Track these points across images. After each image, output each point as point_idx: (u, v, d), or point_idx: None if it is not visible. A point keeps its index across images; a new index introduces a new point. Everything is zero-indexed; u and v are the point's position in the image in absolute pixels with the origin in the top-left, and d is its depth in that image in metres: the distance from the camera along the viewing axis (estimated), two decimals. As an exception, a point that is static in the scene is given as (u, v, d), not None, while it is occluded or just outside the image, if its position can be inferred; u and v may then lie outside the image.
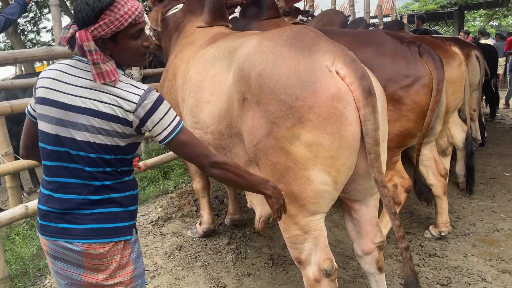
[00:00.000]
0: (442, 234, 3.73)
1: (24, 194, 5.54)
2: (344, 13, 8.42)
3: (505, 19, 26.13)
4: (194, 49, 3.02)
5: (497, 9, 21.82)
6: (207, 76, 2.60)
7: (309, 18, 6.15)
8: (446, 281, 3.07)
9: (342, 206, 2.51)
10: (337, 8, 10.44)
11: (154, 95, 1.57)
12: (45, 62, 14.78)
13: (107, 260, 1.61)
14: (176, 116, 1.61)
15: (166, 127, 1.58)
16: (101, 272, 1.62)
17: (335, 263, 2.15)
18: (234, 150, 2.48)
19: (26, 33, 16.23)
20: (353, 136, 2.00)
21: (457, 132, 4.97)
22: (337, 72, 2.00)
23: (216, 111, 2.49)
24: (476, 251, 3.55)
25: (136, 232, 1.74)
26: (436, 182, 3.69)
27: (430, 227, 3.83)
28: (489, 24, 24.87)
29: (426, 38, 5.09)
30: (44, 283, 3.10)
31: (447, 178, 3.82)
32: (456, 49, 4.59)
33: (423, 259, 3.44)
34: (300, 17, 5.74)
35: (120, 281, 1.65)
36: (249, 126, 2.18)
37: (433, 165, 3.72)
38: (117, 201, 1.64)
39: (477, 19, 26.87)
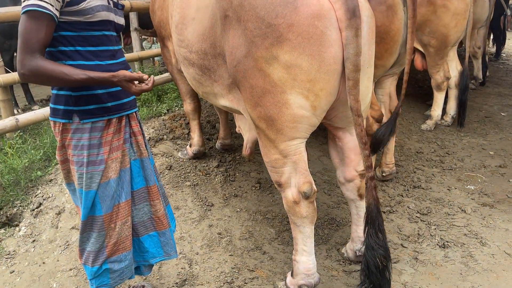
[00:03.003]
0: (384, 174, 3.59)
1: (19, 110, 5.53)
2: None
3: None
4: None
5: None
6: (194, -8, 2.48)
7: None
8: (427, 211, 3.17)
9: (327, 134, 2.51)
10: None
11: None
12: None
13: (58, 137, 1.83)
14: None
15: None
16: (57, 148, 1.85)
17: (314, 186, 2.18)
18: (218, 72, 2.42)
19: None
20: (333, 59, 1.91)
21: (452, 69, 4.87)
22: None
23: (200, 29, 2.39)
24: (460, 184, 3.63)
25: (82, 122, 1.77)
26: (385, 119, 3.38)
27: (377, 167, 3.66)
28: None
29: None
30: (36, 193, 3.19)
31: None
32: (463, -22, 4.36)
33: (407, 189, 3.52)
34: None
35: (65, 159, 1.85)
36: (229, 45, 2.10)
37: (387, 101, 3.54)
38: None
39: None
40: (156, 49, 6.99)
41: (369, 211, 2.12)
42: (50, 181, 3.33)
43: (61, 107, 1.77)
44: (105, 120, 1.83)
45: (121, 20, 1.91)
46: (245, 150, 3.03)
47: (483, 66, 6.78)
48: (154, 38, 8.04)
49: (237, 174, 3.56)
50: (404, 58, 3.23)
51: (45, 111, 3.70)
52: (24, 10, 1.56)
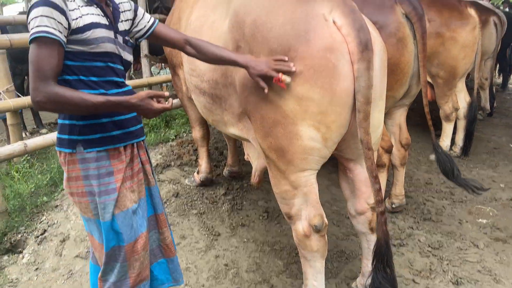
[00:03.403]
0: (393, 206, 3.53)
1: (27, 133, 5.55)
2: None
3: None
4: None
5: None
6: (207, 22, 2.51)
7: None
8: (438, 245, 3.09)
9: (338, 165, 2.48)
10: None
11: None
12: None
13: (64, 168, 1.78)
14: (39, 26, 1.52)
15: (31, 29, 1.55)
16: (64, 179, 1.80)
17: (325, 219, 2.14)
18: (229, 101, 2.42)
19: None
20: (346, 91, 1.90)
21: (461, 100, 4.87)
22: (334, 22, 1.89)
23: None
24: (471, 218, 3.55)
25: (85, 151, 1.73)
26: (395, 151, 3.42)
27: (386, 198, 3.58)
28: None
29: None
30: (41, 220, 3.16)
31: (408, 149, 3.51)
32: (472, 11, 4.40)
33: (417, 222, 3.45)
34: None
35: (73, 192, 1.78)
36: (241, 76, 2.10)
37: (397, 132, 3.48)
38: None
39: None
40: (164, 75, 7.06)
41: (378, 245, 2.07)
42: (55, 207, 3.30)
43: (66, 136, 1.74)
44: (110, 149, 1.78)
45: (128, 57, 1.87)
46: (254, 178, 2.99)
47: (490, 97, 6.77)
48: (163, 64, 8.13)
49: (245, 202, 3.52)
50: (414, 89, 3.23)
51: (54, 135, 3.70)
52: (32, 36, 1.52)
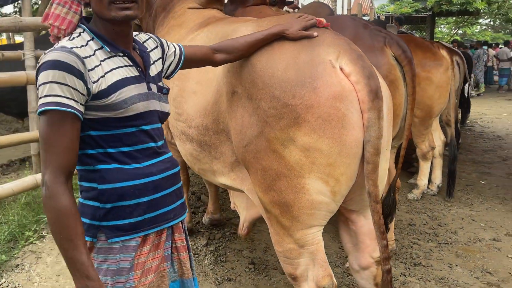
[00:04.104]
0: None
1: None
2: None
3: (471, 27, 26.81)
4: (183, 32, 2.74)
5: (466, 18, 22.29)
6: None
7: (295, 10, 5.96)
8: (434, 294, 2.97)
9: (337, 216, 2.32)
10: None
11: (44, 58, 1.25)
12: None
13: None
14: (48, 96, 1.22)
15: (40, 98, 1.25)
16: None
17: (334, 280, 1.95)
18: (220, 149, 2.23)
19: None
20: (355, 142, 1.77)
21: (436, 138, 4.92)
22: (341, 69, 1.77)
23: (202, 103, 2.23)
24: (460, 261, 3.47)
25: (109, 241, 1.38)
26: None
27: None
28: (455, 32, 25.41)
29: (415, 38, 5.01)
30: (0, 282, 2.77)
31: (397, 192, 3.45)
32: (444, 53, 4.52)
33: (408, 268, 3.33)
34: (285, 8, 5.57)
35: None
36: (238, 124, 1.93)
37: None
38: (82, 191, 1.42)
39: (443, 25, 27.46)
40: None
41: None
42: (16, 266, 2.92)
43: (87, 221, 1.37)
44: (140, 237, 1.42)
45: (166, 107, 1.55)
46: (242, 230, 2.78)
47: (456, 134, 6.95)
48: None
49: (228, 253, 3.27)
50: (403, 132, 3.18)
51: (11, 185, 3.35)
52: (41, 109, 1.23)
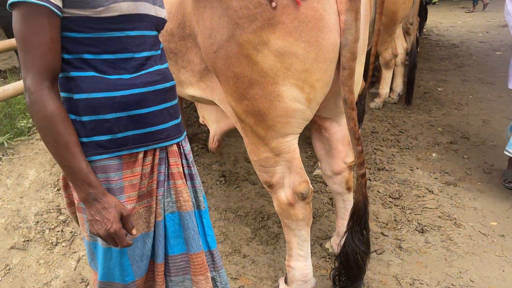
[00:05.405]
0: None
1: None
2: None
3: None
4: None
5: None
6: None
7: None
8: (398, 195, 3.12)
9: (310, 124, 2.29)
10: None
11: None
12: None
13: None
14: None
15: None
16: None
17: (311, 186, 1.97)
18: (187, 56, 2.08)
19: None
20: (332, 46, 1.67)
21: (399, 46, 4.91)
22: None
23: (165, 6, 2.03)
24: (420, 164, 3.64)
25: (89, 159, 1.23)
26: None
27: None
28: None
29: None
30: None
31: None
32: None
33: (373, 173, 3.46)
34: None
35: (72, 201, 1.40)
36: (206, 27, 1.77)
37: None
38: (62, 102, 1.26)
39: None
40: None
41: (357, 208, 1.96)
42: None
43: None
44: (124, 155, 1.28)
45: (162, 12, 1.35)
46: (212, 143, 2.73)
47: (415, 42, 6.97)
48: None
49: (198, 168, 3.25)
50: (371, 37, 3.11)
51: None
52: (11, 1, 1.07)
